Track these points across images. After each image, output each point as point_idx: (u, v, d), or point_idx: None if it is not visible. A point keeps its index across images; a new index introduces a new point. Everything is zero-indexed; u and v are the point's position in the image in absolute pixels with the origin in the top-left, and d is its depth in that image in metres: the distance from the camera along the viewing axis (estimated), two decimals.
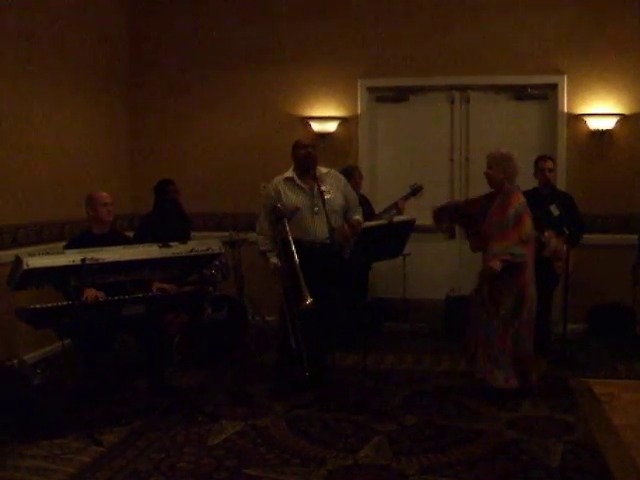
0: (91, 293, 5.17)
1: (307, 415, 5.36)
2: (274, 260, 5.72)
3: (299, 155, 5.78)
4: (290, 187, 5.80)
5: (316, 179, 5.71)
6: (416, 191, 7.04)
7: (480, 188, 8.00)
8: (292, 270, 5.45)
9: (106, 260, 4.92)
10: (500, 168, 5.72)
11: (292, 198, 5.75)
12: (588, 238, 7.12)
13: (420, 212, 6.52)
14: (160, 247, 5.20)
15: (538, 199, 6.94)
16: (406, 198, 7.32)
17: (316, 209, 5.69)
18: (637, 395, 5.81)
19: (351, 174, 6.94)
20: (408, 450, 4.69)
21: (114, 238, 5.65)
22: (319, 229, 5.69)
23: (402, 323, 7.92)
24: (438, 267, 8.23)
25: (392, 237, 5.70)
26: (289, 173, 5.86)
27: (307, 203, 5.75)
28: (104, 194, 5.79)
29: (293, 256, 5.46)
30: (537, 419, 5.25)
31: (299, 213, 5.73)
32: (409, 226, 5.79)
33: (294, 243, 5.53)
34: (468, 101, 8.32)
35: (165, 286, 5.60)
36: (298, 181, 5.80)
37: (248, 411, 5.45)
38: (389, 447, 4.74)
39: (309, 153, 5.76)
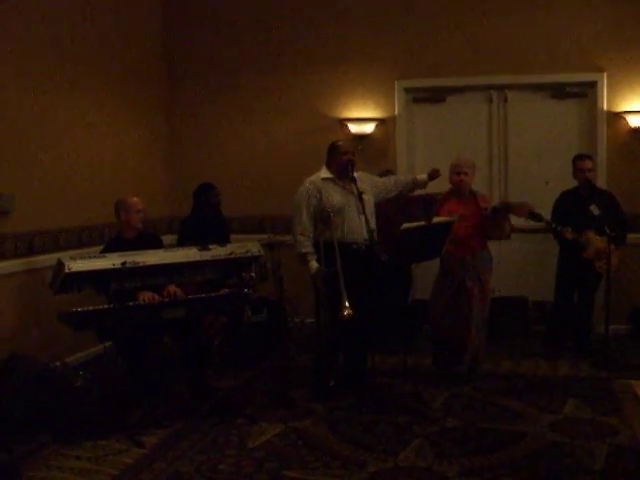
0: (147, 295, 5.23)
1: (347, 417, 5.35)
2: (315, 264, 5.67)
3: (341, 160, 5.78)
4: (332, 187, 5.80)
5: (354, 180, 5.72)
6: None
7: (519, 188, 8.02)
8: (333, 276, 5.44)
9: (147, 263, 4.96)
10: (472, 174, 6.20)
11: (336, 198, 5.74)
12: (630, 237, 7.03)
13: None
14: (199, 250, 5.23)
15: (578, 199, 6.90)
16: None
17: (360, 209, 5.69)
18: None
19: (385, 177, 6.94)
20: (449, 452, 4.66)
21: (144, 241, 5.68)
22: (363, 229, 5.68)
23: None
24: None
25: (431, 238, 5.69)
26: (326, 174, 5.85)
27: (352, 203, 5.73)
28: (136, 199, 5.81)
29: (336, 261, 5.45)
30: (580, 421, 5.20)
31: (345, 213, 5.71)
32: (448, 227, 5.77)
33: (332, 245, 5.52)
34: (506, 100, 8.25)
35: (170, 289, 5.55)
36: (339, 182, 5.80)
37: (288, 413, 5.46)
38: (430, 449, 4.72)
39: (351, 160, 5.78)
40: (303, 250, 5.73)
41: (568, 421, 5.21)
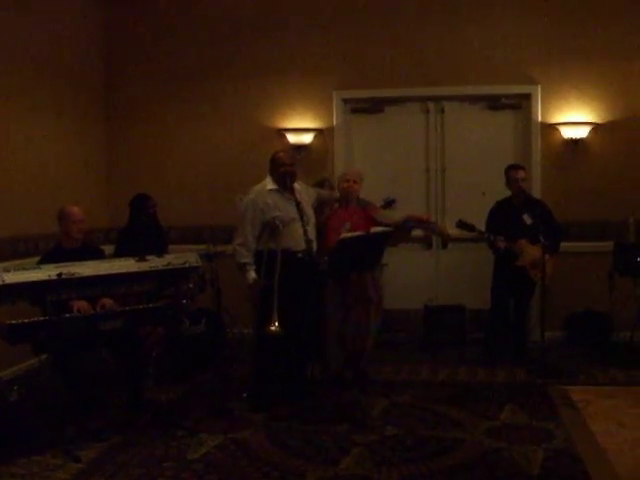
0: (82, 305, 5.16)
1: (287, 427, 5.34)
2: (253, 275, 5.68)
3: (279, 172, 5.81)
4: (278, 198, 5.81)
5: (294, 191, 5.76)
6: (389, 204, 7.05)
7: (455, 198, 8.13)
8: (269, 287, 5.44)
9: (83, 274, 4.90)
10: (360, 183, 6.34)
11: (282, 209, 5.76)
12: (564, 246, 7.16)
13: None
14: (137, 261, 5.18)
15: (511, 209, 7.03)
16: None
17: (303, 220, 5.71)
18: (615, 401, 5.84)
19: (321, 186, 6.97)
20: (389, 460, 4.68)
21: (86, 252, 5.60)
22: (301, 239, 5.70)
23: (381, 334, 7.90)
24: (415, 277, 8.24)
25: (369, 248, 5.73)
26: (271, 185, 5.86)
27: (295, 215, 5.75)
28: (76, 210, 5.73)
29: (276, 272, 5.44)
30: (517, 427, 5.27)
31: (289, 224, 5.72)
32: (385, 237, 5.82)
33: (274, 255, 5.53)
34: (443, 111, 8.35)
35: (105, 301, 5.48)
36: (284, 192, 5.81)
37: (227, 424, 5.43)
38: (370, 458, 4.73)
39: (288, 172, 5.81)
40: (242, 260, 5.73)
41: (505, 427, 5.27)
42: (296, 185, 5.91)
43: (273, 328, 5.29)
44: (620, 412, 5.56)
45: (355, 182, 6.24)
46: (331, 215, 6.21)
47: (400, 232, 6.20)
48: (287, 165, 5.84)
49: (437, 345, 7.72)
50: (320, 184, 6.96)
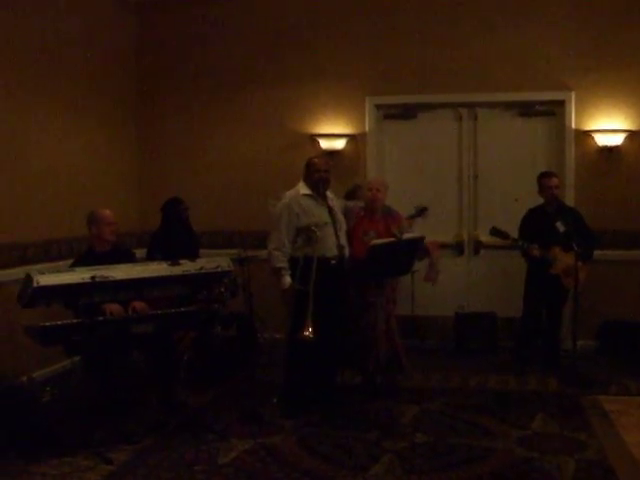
0: (114, 307, 5.20)
1: (317, 433, 5.35)
2: (289, 280, 5.69)
3: (313, 177, 5.83)
4: (312, 203, 5.83)
5: (326, 198, 5.79)
6: (421, 212, 7.01)
7: (488, 205, 8.08)
8: (303, 293, 5.44)
9: (116, 278, 4.93)
10: (385, 192, 6.30)
11: (316, 214, 5.78)
12: (597, 254, 7.10)
13: (428, 229, 6.52)
14: (169, 265, 5.21)
15: (544, 216, 6.98)
16: (411, 218, 7.31)
17: (335, 226, 5.73)
18: None
19: (353, 193, 6.99)
20: (419, 468, 4.67)
21: (117, 255, 5.64)
22: (334, 245, 5.72)
23: (411, 340, 7.89)
24: (447, 284, 8.17)
25: (401, 254, 5.72)
26: (305, 189, 5.88)
27: (329, 221, 5.76)
28: (108, 213, 5.77)
29: (311, 278, 5.45)
30: (548, 437, 5.23)
31: (324, 230, 5.73)
32: (418, 243, 5.81)
33: (310, 261, 5.55)
34: (476, 118, 8.31)
35: (137, 305, 5.48)
36: (317, 198, 5.83)
37: (258, 429, 5.44)
38: (399, 465, 4.72)
39: (322, 178, 5.84)
40: (278, 265, 5.74)
41: (536, 436, 5.24)
42: (327, 192, 5.92)
43: (307, 334, 5.30)
44: None
45: (379, 190, 6.22)
46: (356, 224, 6.18)
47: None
48: (322, 171, 5.86)
49: (468, 352, 7.69)
50: (352, 192, 6.97)
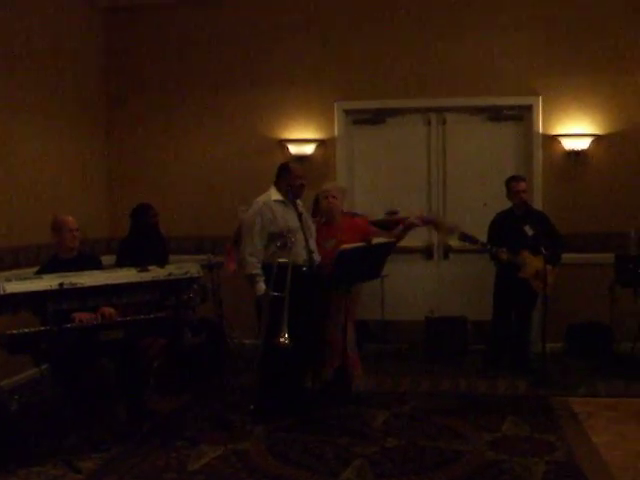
0: (83, 315, 5.15)
1: (287, 438, 5.32)
2: (263, 286, 5.65)
3: (294, 184, 5.80)
4: (284, 209, 5.80)
5: (296, 203, 5.77)
6: (391, 216, 7.03)
7: (457, 209, 8.13)
8: (279, 300, 5.43)
9: (84, 284, 4.89)
10: (342, 198, 6.33)
11: (288, 221, 5.75)
12: (565, 257, 7.17)
13: None
14: (138, 271, 5.18)
15: (512, 220, 7.04)
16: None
17: (305, 232, 5.72)
18: (617, 413, 5.82)
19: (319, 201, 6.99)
20: (389, 473, 4.67)
21: (82, 262, 5.59)
22: (305, 251, 5.70)
23: (381, 344, 7.91)
24: (416, 288, 8.24)
25: (370, 259, 5.73)
26: (276, 195, 5.84)
27: (299, 226, 5.74)
28: (70, 219, 5.71)
29: (286, 284, 5.44)
30: (518, 439, 5.25)
31: (294, 236, 5.69)
32: (387, 248, 5.82)
33: (284, 267, 5.51)
34: (444, 123, 8.36)
35: (104, 311, 5.39)
36: (289, 204, 5.82)
37: (228, 435, 5.41)
38: (370, 470, 4.71)
39: (304, 185, 5.85)
40: (253, 271, 5.70)
41: (506, 439, 5.26)
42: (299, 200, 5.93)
43: (283, 340, 5.27)
44: (622, 424, 5.55)
45: (335, 197, 6.19)
46: (316, 231, 6.12)
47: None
48: (302, 178, 5.86)
49: (438, 356, 7.72)
50: (317, 201, 6.96)
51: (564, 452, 4.96)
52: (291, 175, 5.84)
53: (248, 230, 5.79)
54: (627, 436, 5.27)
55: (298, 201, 5.89)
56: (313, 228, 5.97)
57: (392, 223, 6.43)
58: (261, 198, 5.87)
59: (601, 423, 5.58)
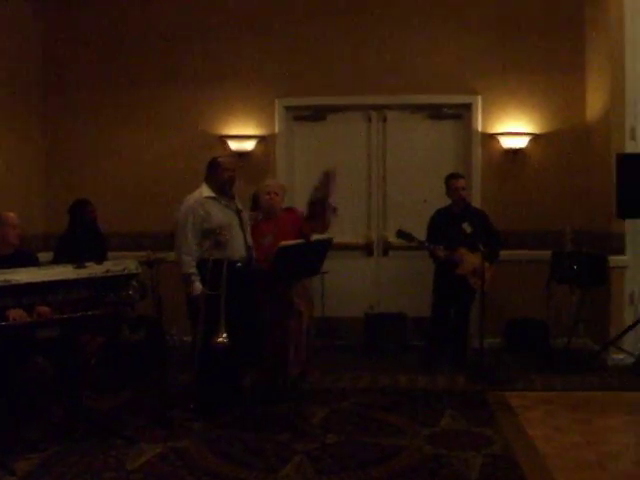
0: (18, 313, 5.04)
1: (227, 436, 5.30)
2: (200, 286, 5.61)
3: (223, 177, 5.77)
4: (217, 206, 5.76)
5: (234, 198, 5.74)
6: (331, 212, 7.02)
7: (397, 206, 8.18)
8: (215, 298, 5.39)
9: (20, 282, 4.80)
10: (282, 195, 6.34)
11: (221, 217, 5.71)
12: (503, 254, 7.27)
13: (338, 230, 6.56)
14: (75, 268, 5.10)
15: (451, 217, 7.12)
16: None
17: (240, 227, 5.69)
18: (552, 406, 5.94)
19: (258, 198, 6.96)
20: (329, 469, 4.67)
21: (19, 259, 5.47)
22: (242, 247, 5.68)
23: (321, 341, 7.92)
24: (356, 285, 8.28)
25: (310, 256, 5.73)
26: (208, 192, 5.80)
27: (235, 222, 5.70)
28: (11, 215, 5.60)
29: (222, 282, 5.40)
30: (456, 433, 5.32)
31: (230, 231, 5.67)
32: (326, 245, 5.83)
33: (220, 264, 5.48)
34: (385, 120, 8.41)
35: (41, 309, 5.35)
36: (221, 199, 5.77)
37: (167, 433, 5.36)
38: (310, 466, 4.72)
39: (232, 177, 5.81)
40: (189, 270, 5.66)
41: (444, 433, 5.32)
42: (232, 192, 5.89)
43: (221, 340, 5.24)
44: (557, 417, 5.68)
45: (277, 194, 6.22)
46: (254, 227, 6.10)
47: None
48: (231, 170, 5.83)
49: (378, 352, 7.77)
50: (256, 196, 6.93)
51: (501, 445, 5.04)
52: (220, 168, 5.82)
53: (181, 229, 5.74)
54: (562, 429, 5.39)
55: (236, 198, 5.85)
56: (248, 224, 5.94)
57: (319, 210, 6.35)
58: (192, 196, 5.83)
59: (537, 416, 5.70)
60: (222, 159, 5.97)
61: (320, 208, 6.12)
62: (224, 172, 5.79)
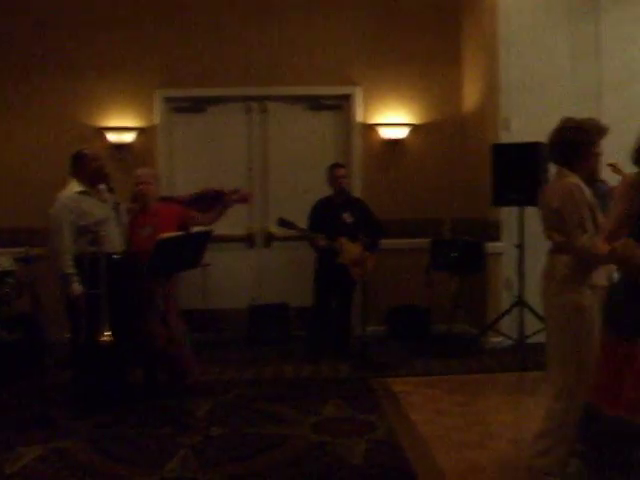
0: None
1: (110, 433, 5.20)
2: (79, 286, 5.44)
3: (90, 168, 5.64)
4: (90, 200, 5.62)
5: (111, 190, 5.63)
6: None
7: (278, 197, 8.21)
8: (95, 296, 5.27)
9: None
10: (155, 184, 6.15)
11: (97, 212, 5.58)
12: (384, 243, 7.39)
13: (219, 223, 6.51)
14: None
15: (332, 207, 7.18)
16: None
17: (117, 220, 5.58)
18: (433, 390, 6.10)
19: None
20: (214, 461, 4.66)
21: None
22: (121, 242, 5.58)
23: (205, 334, 7.87)
24: (239, 277, 8.27)
25: (190, 248, 5.68)
26: (79, 187, 5.63)
27: (112, 216, 5.59)
28: None
29: (101, 279, 5.28)
30: (340, 420, 5.39)
31: (106, 226, 5.55)
32: (206, 237, 5.78)
33: (98, 261, 5.36)
34: (266, 111, 8.42)
35: None
36: (95, 194, 5.64)
37: (48, 434, 5.20)
38: (195, 459, 4.69)
39: (101, 166, 5.69)
40: (68, 271, 5.47)
41: (329, 421, 5.37)
42: (103, 186, 5.76)
43: (104, 337, 5.14)
44: (438, 400, 5.84)
45: (148, 183, 6.04)
46: (132, 219, 5.96)
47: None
48: (98, 160, 5.72)
49: (262, 343, 7.79)
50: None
51: (384, 430, 5.13)
52: (86, 159, 5.69)
53: (56, 228, 5.53)
54: (443, 411, 5.55)
55: (114, 191, 5.74)
56: (126, 217, 5.84)
57: (209, 198, 6.31)
58: (63, 193, 5.64)
59: (419, 401, 5.83)
60: (87, 150, 5.82)
61: (214, 200, 6.09)
62: (91, 163, 5.65)
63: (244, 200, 6.54)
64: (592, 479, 3.35)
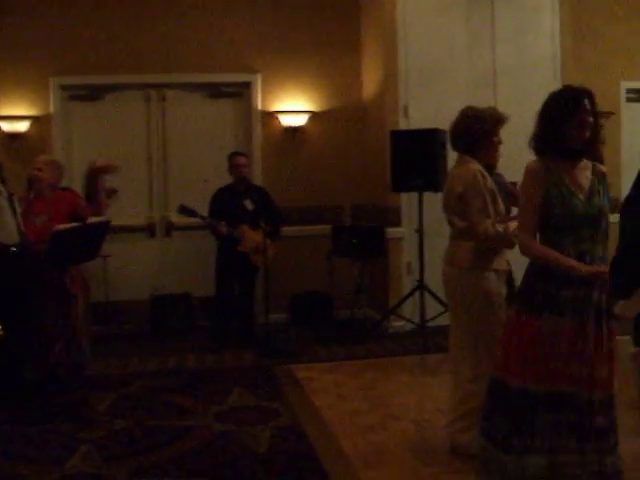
0: None
1: (7, 432, 5.04)
2: None
3: None
4: None
5: (3, 182, 5.49)
6: (110, 194, 6.85)
7: (179, 186, 8.14)
8: None
9: None
10: (52, 170, 5.90)
11: None
12: (285, 230, 7.43)
13: (118, 212, 6.42)
14: None
15: (233, 195, 7.20)
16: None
17: (11, 212, 5.43)
18: (336, 375, 6.17)
19: None
20: (117, 455, 4.59)
21: None
22: (16, 232, 5.43)
23: (107, 326, 7.74)
24: (140, 267, 8.16)
25: (87, 239, 5.57)
26: None
27: (6, 206, 5.43)
28: None
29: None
30: (244, 409, 5.39)
31: (1, 218, 5.39)
32: (104, 227, 5.68)
33: None
34: (164, 99, 8.32)
35: None
36: None
37: None
38: (97, 454, 4.60)
39: None
40: None
41: (233, 410, 5.37)
42: None
43: None
44: (341, 385, 5.92)
45: (41, 170, 5.81)
46: (26, 206, 5.73)
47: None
48: None
49: (165, 334, 7.72)
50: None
51: (288, 417, 5.16)
52: None
53: None
54: (345, 396, 5.63)
55: (6, 181, 5.59)
56: (20, 207, 5.67)
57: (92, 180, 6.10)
58: None
59: (321, 386, 5.89)
60: None
61: (92, 190, 5.91)
62: None
63: (106, 169, 6.19)
64: (492, 451, 3.45)
